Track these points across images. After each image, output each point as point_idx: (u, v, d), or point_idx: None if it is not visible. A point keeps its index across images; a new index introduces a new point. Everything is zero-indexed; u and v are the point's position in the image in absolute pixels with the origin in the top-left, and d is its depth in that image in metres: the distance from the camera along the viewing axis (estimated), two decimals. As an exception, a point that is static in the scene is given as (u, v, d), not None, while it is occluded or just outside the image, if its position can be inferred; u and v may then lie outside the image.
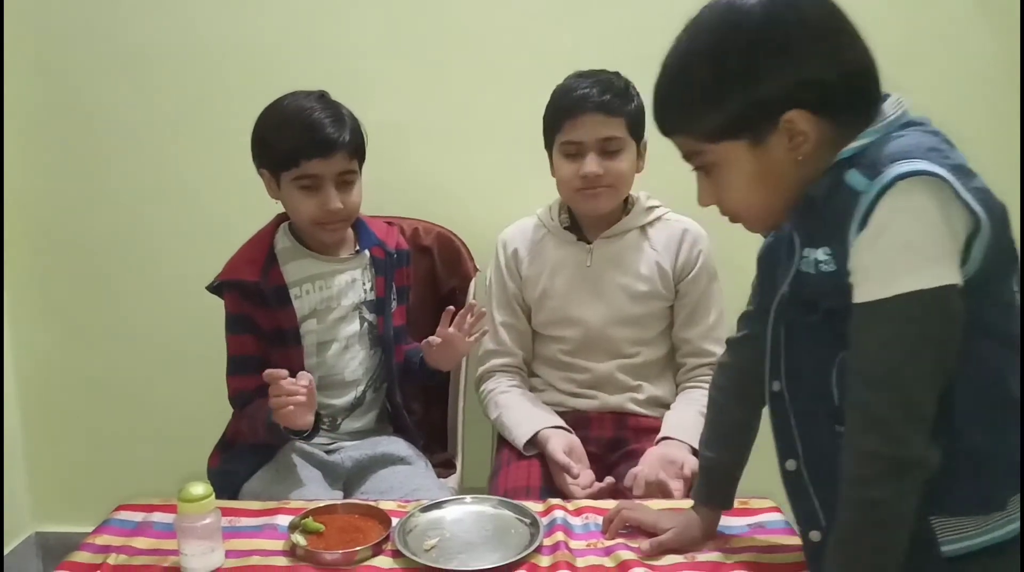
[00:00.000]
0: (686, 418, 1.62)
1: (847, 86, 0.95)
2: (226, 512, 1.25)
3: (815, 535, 1.03)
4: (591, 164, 1.63)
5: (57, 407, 2.25)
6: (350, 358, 1.66)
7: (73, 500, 2.24)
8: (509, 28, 2.04)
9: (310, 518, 1.25)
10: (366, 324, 1.68)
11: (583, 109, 1.62)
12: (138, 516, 1.31)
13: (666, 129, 1.02)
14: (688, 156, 1.02)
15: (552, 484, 1.57)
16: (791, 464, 1.05)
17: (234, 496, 1.53)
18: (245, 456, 1.59)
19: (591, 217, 1.73)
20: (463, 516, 1.29)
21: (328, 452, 1.63)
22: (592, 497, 1.46)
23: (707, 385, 1.57)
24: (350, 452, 1.63)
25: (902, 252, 0.87)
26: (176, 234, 2.13)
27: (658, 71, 1.00)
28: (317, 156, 1.51)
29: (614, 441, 1.70)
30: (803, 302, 1.00)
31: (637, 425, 1.70)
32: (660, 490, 1.46)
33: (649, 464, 1.51)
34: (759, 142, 0.96)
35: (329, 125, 1.52)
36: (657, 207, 1.77)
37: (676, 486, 1.47)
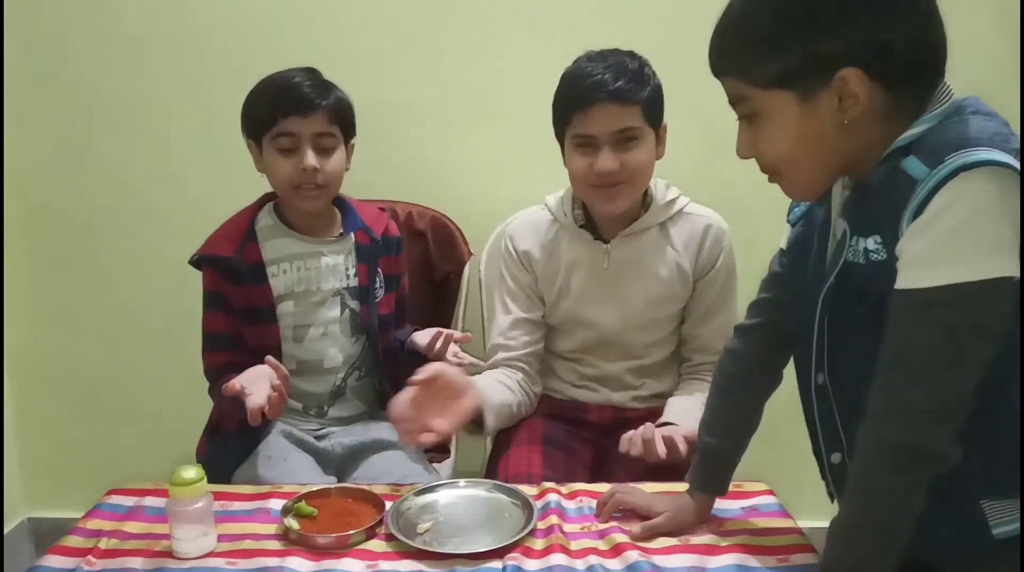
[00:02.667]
0: (689, 407, 1.56)
1: (912, 58, 0.91)
2: (218, 496, 1.25)
3: None
4: (606, 160, 1.51)
5: (48, 392, 2.24)
6: (329, 345, 1.63)
7: (65, 485, 2.23)
8: (507, 4, 2.01)
9: (303, 502, 1.24)
10: (348, 311, 1.65)
11: (595, 99, 1.49)
12: (130, 500, 1.30)
13: (719, 69, 0.99)
14: (735, 101, 0.99)
15: (552, 472, 1.53)
16: (836, 457, 1.03)
17: (226, 483, 1.50)
18: (233, 443, 1.56)
19: (607, 216, 1.63)
20: (457, 500, 1.29)
21: (318, 438, 1.62)
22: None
23: (709, 378, 1.55)
24: (340, 438, 1.62)
25: (955, 240, 0.83)
26: (167, 217, 2.12)
27: (722, 8, 0.98)
28: (294, 114, 1.52)
29: (609, 429, 1.67)
30: (851, 292, 0.97)
31: (636, 415, 1.68)
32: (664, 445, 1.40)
33: (644, 427, 1.44)
34: (809, 96, 0.92)
35: (308, 88, 1.54)
36: (677, 199, 1.66)
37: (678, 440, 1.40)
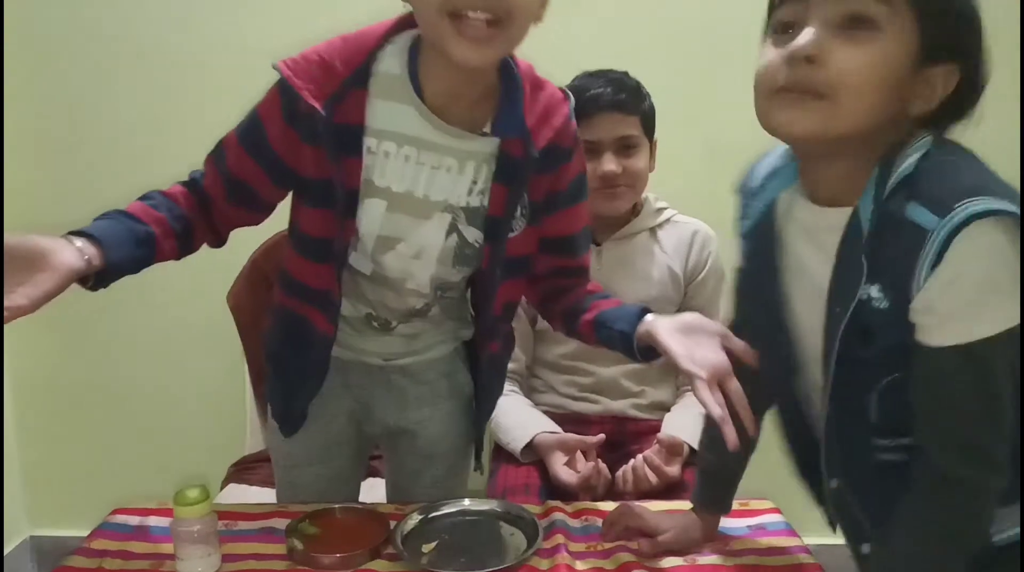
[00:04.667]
0: (687, 420, 1.62)
1: (967, 98, 0.91)
2: (222, 516, 1.24)
3: (866, 548, 1.03)
4: (609, 163, 1.60)
5: (52, 410, 2.24)
6: (420, 269, 1.20)
7: (68, 504, 2.23)
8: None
9: (307, 521, 1.24)
10: (455, 236, 1.18)
11: (598, 108, 1.59)
12: (134, 520, 1.30)
13: None
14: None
15: (551, 482, 1.57)
16: (835, 483, 1.03)
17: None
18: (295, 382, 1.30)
19: (603, 218, 1.69)
20: (462, 519, 1.28)
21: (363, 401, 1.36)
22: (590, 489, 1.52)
23: None
24: (379, 417, 1.38)
25: (985, 294, 0.85)
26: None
27: None
28: None
29: (613, 443, 1.69)
30: (861, 335, 0.93)
31: (637, 429, 1.70)
32: (653, 472, 1.52)
33: (635, 459, 1.55)
34: (925, 56, 0.87)
35: None
36: (665, 209, 1.75)
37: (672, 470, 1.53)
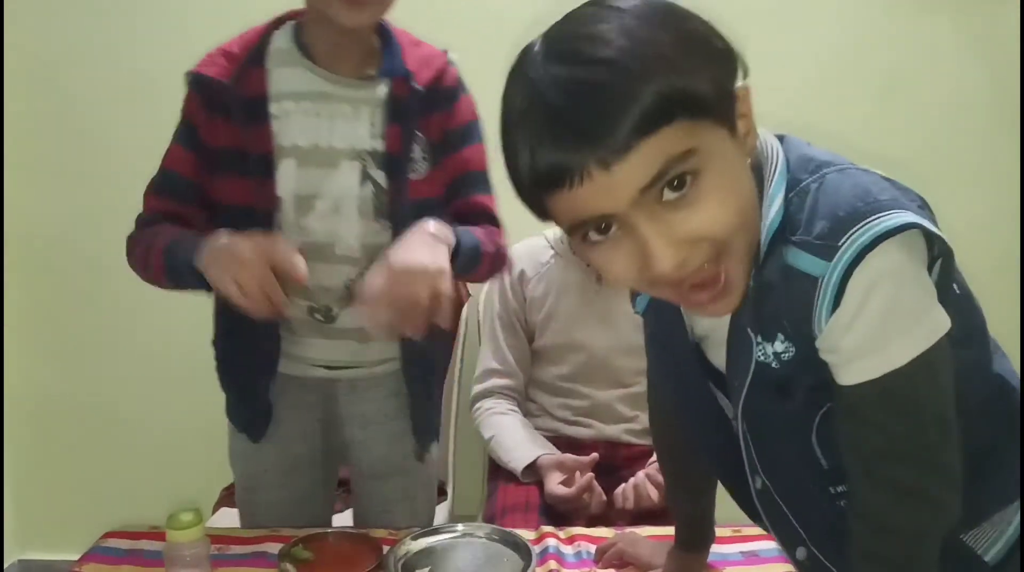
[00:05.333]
0: None
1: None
2: (215, 540, 1.23)
3: None
4: None
5: (44, 431, 2.23)
6: (341, 225, 1.26)
7: (58, 527, 2.22)
8: (503, 38, 2.04)
9: (300, 546, 1.24)
10: (370, 184, 1.26)
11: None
12: (126, 543, 1.29)
13: (648, 122, 0.68)
14: (676, 162, 0.70)
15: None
16: (801, 552, 0.95)
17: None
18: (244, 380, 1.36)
19: None
20: (455, 544, 1.28)
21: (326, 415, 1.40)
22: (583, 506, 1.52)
23: None
24: (338, 431, 1.42)
25: (891, 322, 0.76)
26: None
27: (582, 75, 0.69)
28: None
29: (606, 467, 1.69)
30: (771, 394, 0.86)
31: (630, 453, 1.70)
32: (655, 488, 1.53)
33: (635, 477, 1.55)
34: (729, 123, 0.74)
35: None
36: None
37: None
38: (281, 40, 1.26)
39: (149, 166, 2.08)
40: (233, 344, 1.37)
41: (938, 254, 0.79)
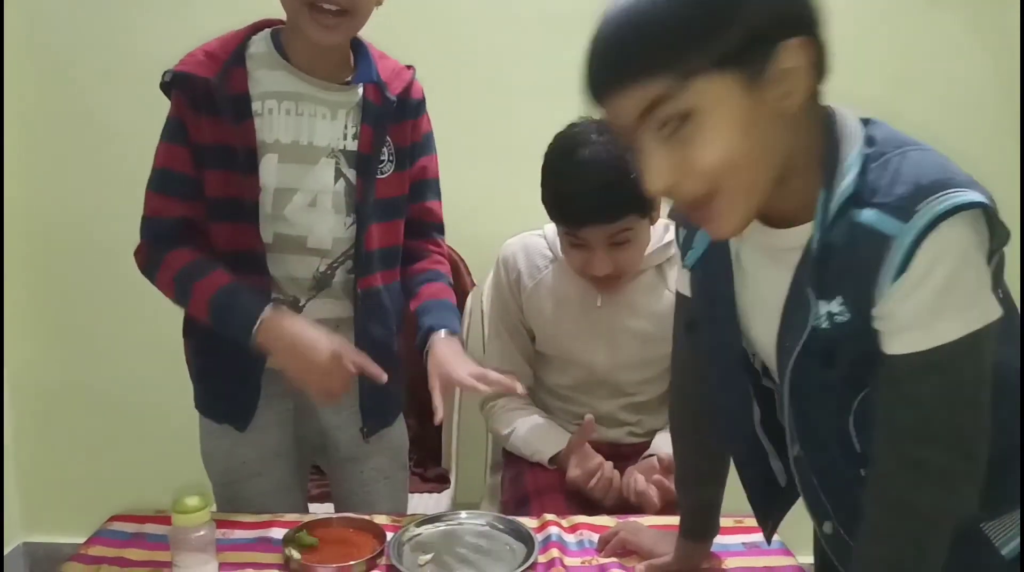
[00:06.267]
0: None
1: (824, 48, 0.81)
2: (220, 524, 1.25)
3: None
4: (602, 265, 1.52)
5: (48, 414, 2.24)
6: (316, 219, 1.33)
7: (63, 510, 2.23)
8: (511, 40, 2.05)
9: (304, 531, 1.24)
10: (343, 181, 1.34)
11: (584, 222, 1.49)
12: (131, 527, 1.30)
13: (628, 74, 0.78)
14: (653, 107, 0.78)
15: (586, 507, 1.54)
16: (828, 527, 0.98)
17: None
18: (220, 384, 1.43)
19: None
20: (458, 532, 1.29)
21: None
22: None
23: None
24: (310, 421, 1.46)
25: (948, 297, 0.79)
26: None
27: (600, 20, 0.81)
28: None
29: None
30: (818, 359, 0.89)
31: (634, 451, 1.68)
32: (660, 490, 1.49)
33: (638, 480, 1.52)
34: (754, 77, 0.78)
35: None
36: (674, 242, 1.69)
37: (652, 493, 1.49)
38: (260, 44, 1.33)
39: (147, 153, 2.09)
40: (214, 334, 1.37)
41: (996, 246, 0.82)
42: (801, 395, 0.93)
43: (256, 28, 1.35)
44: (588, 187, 1.45)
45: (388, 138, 1.36)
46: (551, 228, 1.69)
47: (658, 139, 0.80)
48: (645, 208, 1.51)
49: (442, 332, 1.38)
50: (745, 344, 1.01)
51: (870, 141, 0.85)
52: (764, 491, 1.09)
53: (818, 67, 0.81)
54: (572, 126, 1.54)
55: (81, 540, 1.27)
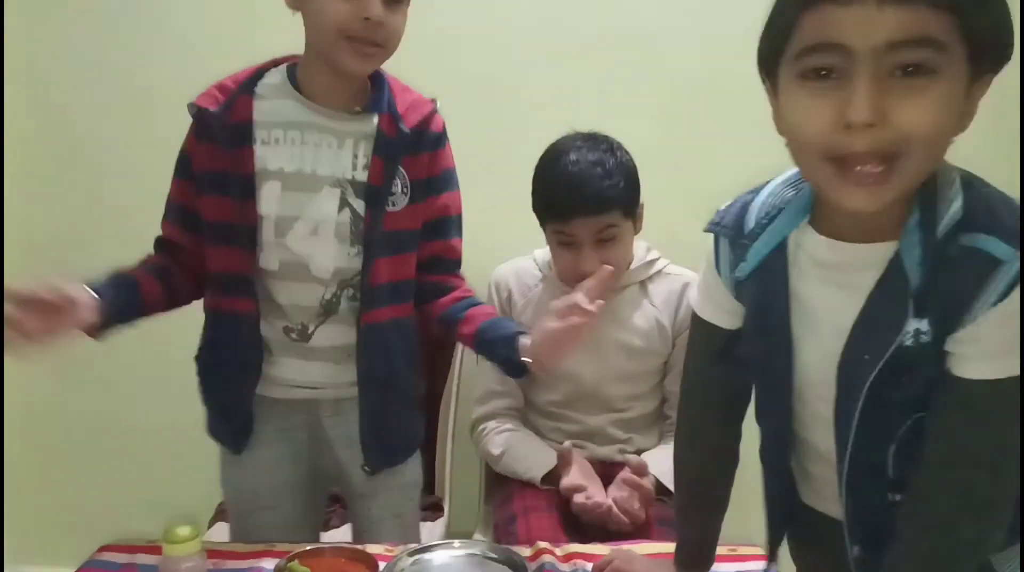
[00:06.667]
0: (663, 460, 1.61)
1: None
2: (212, 554, 1.24)
3: None
4: (589, 261, 1.57)
5: (38, 443, 2.23)
6: (318, 248, 1.32)
7: (52, 540, 2.20)
8: (503, 68, 2.07)
9: (296, 561, 1.23)
10: (348, 210, 1.32)
11: (574, 214, 1.57)
12: (122, 557, 1.29)
13: None
14: (917, 43, 0.76)
15: (575, 531, 1.56)
16: (856, 551, 0.98)
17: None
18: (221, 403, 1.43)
19: None
20: (451, 561, 1.28)
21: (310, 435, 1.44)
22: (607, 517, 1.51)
23: None
24: (322, 455, 1.45)
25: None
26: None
27: None
28: None
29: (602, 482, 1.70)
30: (894, 377, 0.88)
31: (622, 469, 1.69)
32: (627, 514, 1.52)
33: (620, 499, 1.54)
34: (975, 78, 0.81)
35: None
36: (657, 260, 1.74)
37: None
38: (274, 75, 1.34)
39: (145, 176, 2.09)
40: (216, 356, 1.41)
41: None
42: (859, 414, 0.92)
43: (276, 63, 1.36)
44: (577, 182, 1.56)
45: (402, 170, 1.33)
46: (540, 252, 1.77)
47: (884, 77, 0.77)
48: (630, 206, 1.61)
49: (521, 337, 1.31)
50: (791, 362, 1.00)
51: (964, 177, 0.87)
52: (780, 509, 1.10)
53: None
54: (558, 139, 1.64)
55: (72, 570, 1.26)
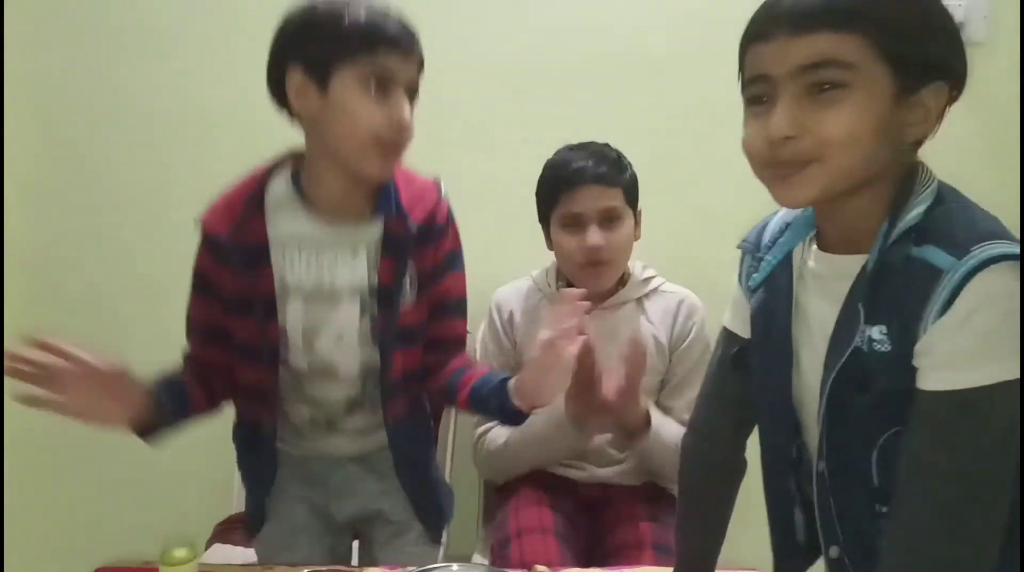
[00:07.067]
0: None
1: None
2: (208, 576, 1.23)
3: None
4: (594, 236, 1.61)
5: (34, 463, 2.21)
6: (344, 353, 1.35)
7: (49, 561, 2.19)
8: (500, 92, 2.09)
9: (293, 584, 1.23)
10: (368, 316, 1.33)
11: (581, 181, 1.61)
12: (117, 579, 1.28)
13: (831, 22, 0.85)
14: (821, 64, 0.86)
15: (566, 527, 1.57)
16: (834, 551, 0.99)
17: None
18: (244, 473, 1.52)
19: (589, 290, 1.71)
20: (449, 584, 1.27)
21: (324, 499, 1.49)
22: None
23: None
24: (344, 504, 1.49)
25: (989, 340, 0.82)
26: (168, 285, 2.12)
27: None
28: (397, 50, 1.19)
29: (598, 508, 1.71)
30: (853, 381, 0.92)
31: (621, 495, 1.70)
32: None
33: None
34: (903, 93, 0.87)
35: (403, 23, 1.22)
36: (652, 278, 1.76)
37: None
38: (279, 186, 1.31)
39: (147, 189, 2.12)
40: (243, 446, 1.49)
41: None
42: (834, 416, 0.95)
43: (277, 165, 1.34)
44: (583, 157, 1.63)
45: (410, 263, 1.33)
46: (538, 273, 1.80)
47: (805, 94, 0.87)
48: (632, 194, 1.66)
49: (512, 380, 1.32)
50: (791, 373, 1.03)
51: (941, 193, 0.90)
52: (785, 541, 1.10)
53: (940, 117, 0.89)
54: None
55: (66, 592, 1.26)
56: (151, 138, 2.10)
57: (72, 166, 2.13)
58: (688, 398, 1.69)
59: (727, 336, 1.15)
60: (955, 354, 0.82)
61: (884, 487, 0.91)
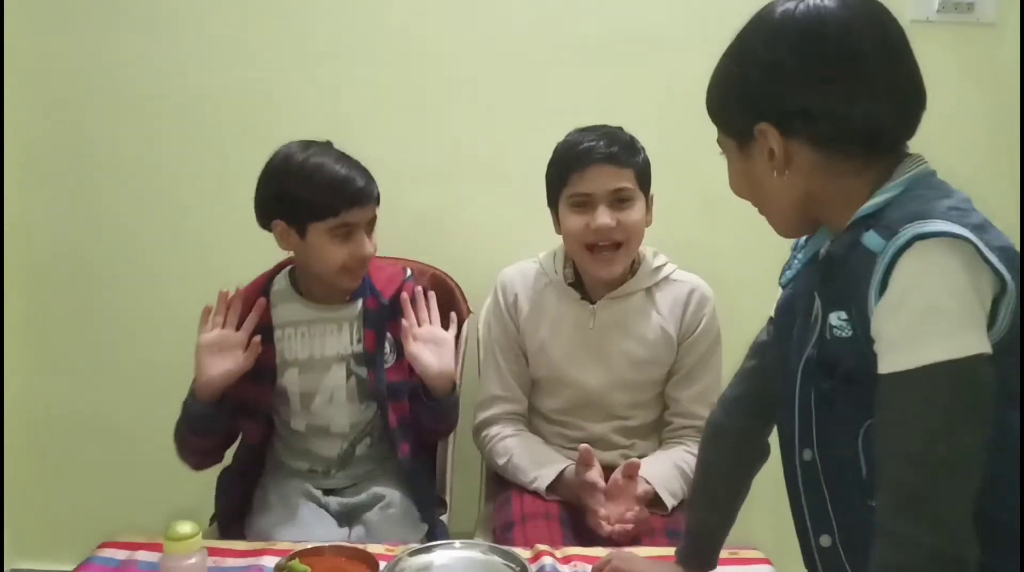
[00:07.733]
0: (663, 466, 1.63)
1: (839, 125, 0.92)
2: (212, 552, 1.24)
3: None
4: (603, 216, 1.59)
5: (39, 440, 2.22)
6: (335, 411, 1.64)
7: (52, 536, 2.21)
8: (507, 72, 2.07)
9: (296, 560, 1.23)
10: (354, 377, 1.64)
11: (592, 160, 1.59)
12: (122, 554, 1.29)
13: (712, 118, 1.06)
14: (719, 142, 1.06)
15: (570, 514, 1.57)
16: (826, 540, 0.98)
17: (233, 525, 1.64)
18: (235, 481, 1.67)
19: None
20: (452, 561, 1.28)
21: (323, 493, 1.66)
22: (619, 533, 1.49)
23: (690, 444, 1.61)
24: (339, 496, 1.66)
25: (926, 318, 0.81)
26: (168, 272, 2.14)
27: None
28: (356, 206, 1.54)
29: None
30: (824, 367, 0.95)
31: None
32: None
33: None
34: (743, 145, 0.99)
35: (359, 177, 1.56)
36: (664, 266, 1.73)
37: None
38: (281, 281, 1.68)
39: (151, 180, 2.12)
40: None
41: (1001, 290, 0.82)
42: (819, 403, 0.96)
43: (280, 267, 1.70)
44: (594, 137, 1.62)
45: (389, 334, 1.65)
46: (544, 255, 1.77)
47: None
48: (643, 176, 1.64)
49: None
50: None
51: (912, 184, 0.92)
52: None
53: (813, 144, 0.93)
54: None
55: (70, 568, 1.27)
56: (154, 121, 2.09)
57: (73, 150, 2.12)
58: (695, 389, 1.69)
59: (769, 321, 1.17)
60: (896, 335, 0.83)
61: (871, 479, 0.89)
